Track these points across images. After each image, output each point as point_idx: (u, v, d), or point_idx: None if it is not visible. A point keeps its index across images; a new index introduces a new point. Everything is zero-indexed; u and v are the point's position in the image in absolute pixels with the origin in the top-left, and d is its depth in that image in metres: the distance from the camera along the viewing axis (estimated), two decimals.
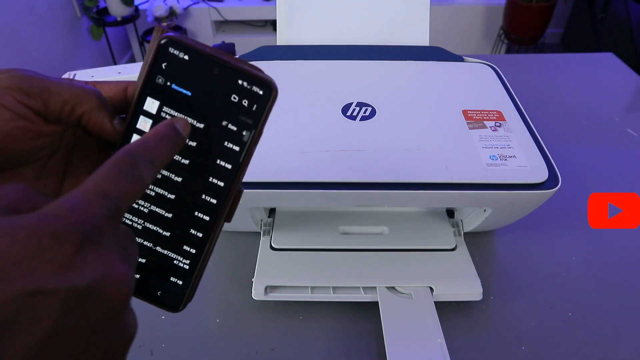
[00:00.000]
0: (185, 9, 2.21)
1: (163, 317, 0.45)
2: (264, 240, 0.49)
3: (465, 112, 0.47)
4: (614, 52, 0.92)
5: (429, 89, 0.51)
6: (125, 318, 0.16)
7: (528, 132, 0.45)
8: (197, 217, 0.22)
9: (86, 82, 0.22)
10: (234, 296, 0.47)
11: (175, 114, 0.21)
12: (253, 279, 0.45)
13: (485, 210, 0.46)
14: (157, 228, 0.22)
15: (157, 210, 0.22)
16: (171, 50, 0.20)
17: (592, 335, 0.45)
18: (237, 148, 0.21)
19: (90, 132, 0.22)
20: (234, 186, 0.22)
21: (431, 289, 0.45)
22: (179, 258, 0.22)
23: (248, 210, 0.45)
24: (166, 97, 0.21)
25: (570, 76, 0.85)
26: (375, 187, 0.40)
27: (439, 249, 0.48)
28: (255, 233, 0.51)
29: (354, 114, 0.46)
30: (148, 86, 0.21)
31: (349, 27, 0.61)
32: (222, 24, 2.37)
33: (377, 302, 0.44)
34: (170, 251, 0.22)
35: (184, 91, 0.21)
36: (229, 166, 0.21)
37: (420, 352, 0.40)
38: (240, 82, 0.21)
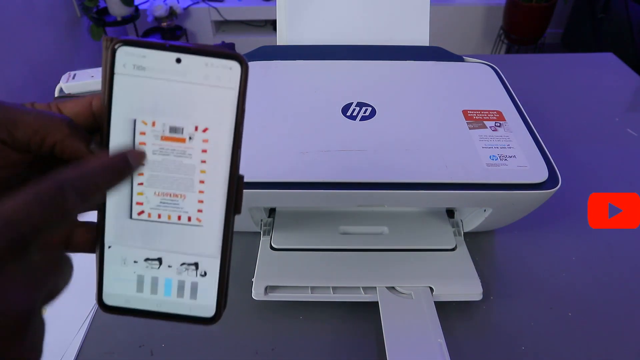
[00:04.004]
0: (185, 9, 2.21)
1: None
2: (264, 240, 0.49)
3: (465, 112, 0.47)
4: (614, 52, 0.92)
5: (429, 89, 0.51)
6: (17, 349, 0.16)
7: (528, 132, 0.45)
8: (204, 213, 0.21)
9: (49, 105, 0.21)
10: (234, 296, 0.47)
11: (150, 117, 0.20)
12: (253, 279, 0.45)
13: (485, 210, 0.46)
14: (167, 235, 0.21)
15: (161, 212, 0.21)
16: (126, 53, 0.19)
17: (592, 335, 0.45)
18: (223, 134, 0.20)
19: (65, 160, 0.21)
20: (232, 173, 0.21)
21: (431, 289, 0.45)
22: (199, 262, 0.22)
23: (248, 210, 0.45)
24: (136, 103, 0.20)
25: (570, 76, 0.85)
26: (375, 187, 0.40)
27: (439, 249, 0.48)
28: (255, 233, 0.51)
29: (354, 114, 0.46)
30: (114, 98, 0.20)
31: (349, 27, 0.61)
32: (222, 24, 2.37)
33: (377, 302, 0.44)
34: (188, 256, 0.21)
35: (152, 90, 0.20)
36: (220, 153, 0.21)
37: (420, 352, 0.40)
38: (206, 64, 0.20)
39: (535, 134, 0.45)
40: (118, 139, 0.20)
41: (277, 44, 0.61)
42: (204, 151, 0.21)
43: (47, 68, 1.72)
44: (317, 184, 0.40)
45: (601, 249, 0.53)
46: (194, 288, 0.22)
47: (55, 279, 0.17)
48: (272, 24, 2.35)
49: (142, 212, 0.21)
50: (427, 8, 0.60)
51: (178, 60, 0.20)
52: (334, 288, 0.45)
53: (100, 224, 0.21)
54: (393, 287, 0.45)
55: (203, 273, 0.22)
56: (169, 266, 0.22)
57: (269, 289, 0.45)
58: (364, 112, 0.46)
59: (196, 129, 0.20)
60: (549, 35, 2.29)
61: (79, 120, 0.22)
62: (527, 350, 0.43)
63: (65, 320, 0.45)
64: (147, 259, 0.22)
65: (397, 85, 0.52)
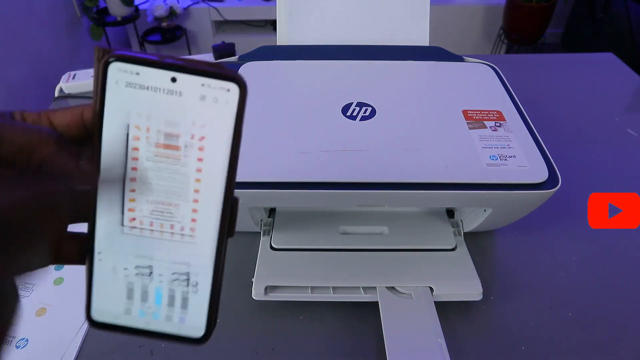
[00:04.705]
0: (185, 9, 2.21)
1: None
2: (264, 240, 0.49)
3: (465, 112, 0.47)
4: (614, 52, 0.92)
5: (429, 89, 0.51)
6: None
7: (528, 132, 0.45)
8: (196, 235, 0.21)
9: (39, 115, 0.20)
10: (234, 296, 0.47)
11: (142, 134, 0.19)
12: (253, 279, 0.45)
13: (485, 210, 0.46)
14: (159, 244, 0.21)
15: (154, 234, 0.21)
16: (119, 68, 0.19)
17: (592, 335, 0.45)
18: (218, 156, 0.20)
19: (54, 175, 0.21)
20: (226, 196, 0.20)
21: (431, 289, 0.45)
22: (190, 273, 0.21)
23: (248, 210, 0.45)
24: (128, 117, 0.19)
25: (570, 76, 0.85)
26: (375, 187, 0.40)
27: (439, 249, 0.48)
28: (255, 233, 0.51)
29: (354, 114, 0.46)
30: (106, 111, 0.19)
31: (349, 27, 0.61)
32: (222, 24, 2.37)
33: (377, 302, 0.44)
34: (179, 266, 0.21)
35: (144, 109, 0.19)
36: (214, 177, 0.20)
37: (420, 352, 0.40)
38: (203, 84, 0.19)
39: (535, 134, 0.45)
40: (110, 150, 0.20)
41: (277, 44, 0.61)
42: (200, 160, 0.20)
43: (47, 68, 1.72)
44: (317, 184, 0.40)
45: (601, 249, 0.53)
46: (185, 303, 0.21)
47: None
48: (272, 24, 2.35)
49: (134, 219, 0.21)
50: (427, 8, 0.60)
51: (173, 80, 0.19)
52: (334, 288, 0.45)
53: (91, 232, 0.21)
54: (393, 287, 0.45)
55: (195, 283, 0.21)
56: (160, 275, 0.21)
57: (269, 289, 0.45)
58: (364, 112, 0.46)
59: (192, 137, 0.20)
60: (549, 35, 2.29)
61: (70, 132, 0.21)
62: (527, 350, 0.43)
63: (65, 320, 0.45)
64: (137, 267, 0.21)
65: (397, 85, 0.52)
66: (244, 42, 2.25)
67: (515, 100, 0.49)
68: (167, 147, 0.20)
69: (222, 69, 0.19)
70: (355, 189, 0.39)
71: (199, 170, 0.20)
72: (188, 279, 0.21)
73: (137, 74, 0.19)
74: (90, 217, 0.21)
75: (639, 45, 1.86)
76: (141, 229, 0.21)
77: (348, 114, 0.46)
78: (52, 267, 0.52)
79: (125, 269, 0.21)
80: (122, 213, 0.21)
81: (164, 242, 0.21)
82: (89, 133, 0.21)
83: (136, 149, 0.20)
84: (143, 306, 0.21)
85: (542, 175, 0.40)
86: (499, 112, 0.47)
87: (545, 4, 1.99)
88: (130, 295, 0.21)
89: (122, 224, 0.21)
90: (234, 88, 0.19)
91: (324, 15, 0.60)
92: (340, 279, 0.45)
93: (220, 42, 0.81)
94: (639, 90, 0.83)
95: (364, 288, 0.45)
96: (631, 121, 0.73)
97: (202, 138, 0.20)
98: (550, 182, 0.40)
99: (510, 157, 0.42)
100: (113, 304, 0.21)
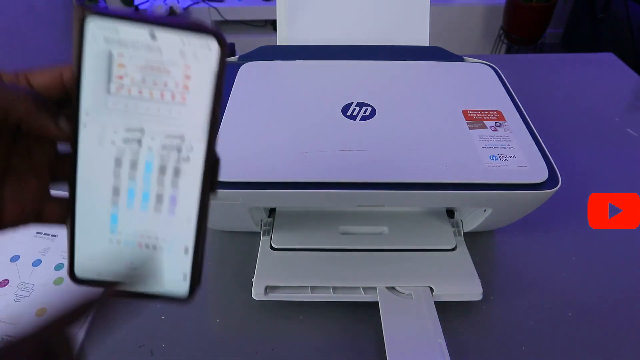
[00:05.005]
0: (185, 9, 2.21)
1: (163, 317, 0.45)
2: (264, 240, 0.49)
3: (465, 112, 0.47)
4: (614, 52, 0.92)
5: (429, 89, 0.51)
6: None
7: (528, 132, 0.45)
8: (178, 190, 0.20)
9: (17, 75, 0.20)
10: (234, 296, 0.47)
11: (120, 92, 0.19)
12: (253, 279, 0.45)
13: (485, 210, 0.46)
14: (144, 210, 0.20)
15: (136, 188, 0.20)
16: (98, 25, 0.18)
17: (592, 335, 0.45)
18: (199, 113, 0.19)
19: (32, 135, 0.20)
20: (208, 153, 0.20)
21: (431, 289, 0.45)
22: (173, 239, 0.21)
23: (248, 211, 0.45)
24: (106, 80, 0.19)
25: (570, 76, 0.85)
26: (375, 187, 0.40)
27: (439, 248, 0.48)
28: (255, 233, 0.51)
29: (354, 114, 0.46)
30: (84, 74, 0.19)
31: (348, 27, 0.61)
32: (222, 24, 2.37)
33: (377, 302, 0.44)
34: (161, 232, 0.21)
35: (123, 66, 0.19)
36: (194, 134, 0.20)
37: (420, 352, 0.40)
38: (183, 41, 0.19)
39: (535, 134, 0.45)
40: (90, 106, 0.19)
41: (277, 44, 0.61)
42: (177, 130, 0.20)
43: None
44: (317, 184, 0.40)
45: (601, 249, 0.53)
46: (168, 265, 0.21)
47: None
48: (272, 24, 2.35)
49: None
50: (427, 8, 0.60)
51: (153, 36, 0.19)
52: (334, 288, 0.45)
53: (72, 194, 0.20)
54: (393, 287, 0.45)
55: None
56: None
57: (269, 289, 0.45)
58: (364, 112, 0.46)
59: (170, 107, 0.19)
60: (549, 35, 2.29)
61: (49, 93, 0.21)
62: (527, 350, 0.43)
63: None
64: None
65: (397, 85, 0.52)
66: (244, 42, 2.24)
67: (515, 100, 0.49)
68: (147, 109, 0.19)
69: (202, 25, 0.19)
70: (355, 189, 0.39)
71: (179, 130, 0.20)
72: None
73: (116, 30, 0.19)
74: (69, 182, 0.20)
75: (639, 45, 1.86)
76: (123, 197, 0.20)
77: (348, 114, 0.46)
78: (52, 266, 0.52)
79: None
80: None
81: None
82: (69, 94, 0.20)
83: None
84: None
85: (542, 175, 0.40)
86: (499, 112, 0.47)
87: (545, 4, 1.98)
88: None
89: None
90: (213, 44, 0.19)
91: (324, 15, 0.60)
92: (340, 279, 0.45)
93: None
94: (639, 90, 0.83)
95: (364, 288, 0.45)
96: (631, 121, 0.73)
97: (183, 98, 0.19)
98: (550, 182, 0.40)
99: (510, 157, 0.42)
100: (96, 262, 0.21)
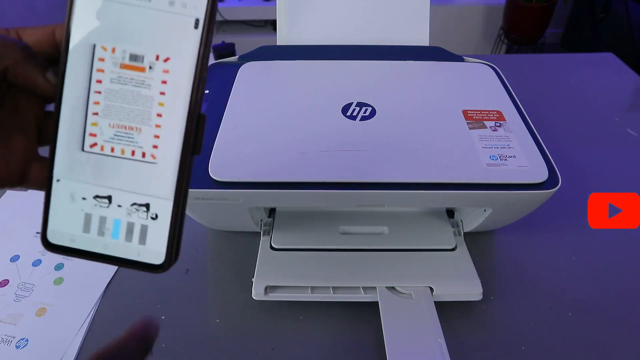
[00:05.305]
0: None
1: (163, 317, 0.45)
2: (264, 240, 0.49)
3: (465, 112, 0.47)
4: (614, 52, 0.92)
5: (429, 89, 0.51)
6: None
7: (528, 132, 0.45)
8: (159, 149, 0.20)
9: (7, 30, 0.20)
10: (234, 296, 0.47)
11: (111, 43, 0.19)
12: (253, 279, 0.45)
13: (485, 210, 0.46)
14: (120, 171, 0.20)
15: (115, 145, 0.20)
16: None
17: (592, 335, 0.45)
18: (186, 65, 0.19)
19: (20, 88, 0.20)
20: (192, 109, 0.20)
21: (431, 289, 0.45)
22: (150, 203, 0.20)
23: (248, 211, 0.45)
24: (96, 29, 0.19)
25: (570, 76, 0.85)
26: (375, 187, 0.40)
27: (439, 249, 0.48)
28: (255, 233, 0.51)
29: (354, 114, 0.46)
30: (74, 23, 0.19)
31: (349, 27, 0.61)
32: (222, 24, 2.37)
33: (377, 302, 0.44)
34: (139, 196, 0.20)
35: (115, 16, 0.19)
36: (180, 86, 0.20)
37: (420, 352, 0.40)
38: None
39: (535, 134, 0.45)
40: (75, 67, 0.20)
41: (277, 44, 0.61)
42: (164, 82, 0.20)
43: None
44: (317, 184, 0.40)
45: (601, 249, 0.53)
46: (144, 232, 0.21)
47: None
48: (272, 24, 2.35)
49: (95, 144, 0.20)
50: (427, 8, 0.60)
51: None
52: (334, 288, 0.45)
53: (51, 155, 0.20)
54: (393, 287, 0.45)
55: (154, 216, 0.20)
56: (119, 206, 0.20)
57: (269, 289, 0.45)
58: (364, 112, 0.46)
59: (157, 58, 0.19)
60: (549, 35, 2.29)
61: (40, 49, 0.21)
62: (527, 350, 0.43)
63: (65, 320, 0.45)
64: (96, 197, 0.20)
65: (397, 85, 0.52)
66: (244, 42, 2.24)
67: (515, 100, 0.49)
68: (134, 57, 0.19)
69: None
70: (355, 189, 0.39)
71: (164, 82, 0.20)
72: (148, 207, 0.20)
73: None
74: (51, 139, 0.20)
75: (639, 45, 1.86)
76: (102, 155, 0.20)
77: (348, 114, 0.46)
78: (52, 266, 0.52)
79: (83, 198, 0.21)
80: (83, 137, 0.20)
81: (124, 168, 0.20)
82: (59, 52, 0.20)
83: (101, 70, 0.20)
84: (100, 232, 0.21)
85: (542, 175, 0.40)
86: (499, 112, 0.47)
87: (545, 4, 1.99)
88: (87, 222, 0.21)
89: (83, 149, 0.20)
90: None
91: (324, 15, 0.60)
92: (340, 279, 0.45)
93: (220, 42, 0.81)
94: (639, 90, 0.83)
95: (364, 288, 0.45)
96: (631, 121, 0.73)
97: (170, 46, 0.19)
98: (550, 182, 0.40)
99: (510, 157, 0.42)
100: (70, 228, 0.21)
